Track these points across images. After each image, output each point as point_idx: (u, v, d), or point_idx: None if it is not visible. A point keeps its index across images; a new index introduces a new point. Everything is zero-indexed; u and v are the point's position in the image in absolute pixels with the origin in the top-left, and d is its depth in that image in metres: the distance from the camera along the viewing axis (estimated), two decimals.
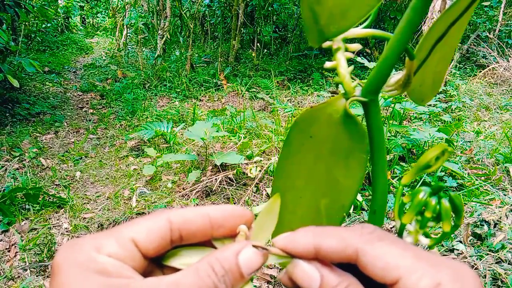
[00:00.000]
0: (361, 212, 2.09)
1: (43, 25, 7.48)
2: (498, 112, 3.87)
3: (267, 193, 2.38)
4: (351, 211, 2.11)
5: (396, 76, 0.25)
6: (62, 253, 0.22)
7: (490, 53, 5.30)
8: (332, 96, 0.25)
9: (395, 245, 0.21)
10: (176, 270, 0.24)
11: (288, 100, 4.56)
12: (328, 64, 0.25)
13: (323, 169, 0.27)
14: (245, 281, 0.23)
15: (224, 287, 0.22)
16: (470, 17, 0.24)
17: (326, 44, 0.25)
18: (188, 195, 2.40)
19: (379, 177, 0.25)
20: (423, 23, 4.51)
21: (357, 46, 0.25)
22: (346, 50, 0.25)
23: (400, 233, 0.25)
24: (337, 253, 0.22)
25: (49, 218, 2.17)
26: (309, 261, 0.23)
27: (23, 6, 3.68)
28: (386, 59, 0.22)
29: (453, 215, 0.23)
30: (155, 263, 0.24)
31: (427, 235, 0.25)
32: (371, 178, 0.26)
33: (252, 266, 0.23)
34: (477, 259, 1.71)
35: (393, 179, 2.35)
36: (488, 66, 5.09)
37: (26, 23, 5.95)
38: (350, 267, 0.23)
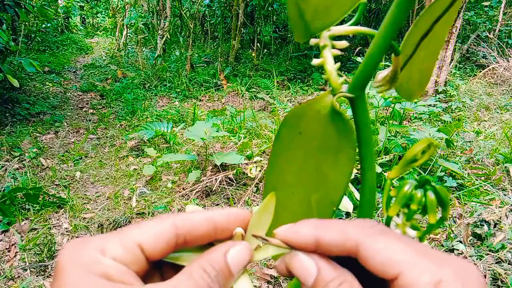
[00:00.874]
0: None
1: (43, 25, 7.48)
2: (498, 112, 3.87)
3: (263, 190, 2.38)
4: (350, 210, 2.11)
5: (383, 72, 0.25)
6: (66, 252, 0.22)
7: (490, 53, 5.30)
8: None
9: (397, 240, 0.21)
10: (175, 268, 0.24)
11: (288, 100, 4.57)
12: (315, 61, 0.25)
13: (313, 165, 0.27)
14: (235, 278, 0.24)
15: (217, 286, 0.23)
16: (456, 14, 0.24)
17: (313, 42, 0.25)
18: (188, 195, 2.40)
19: (367, 172, 0.25)
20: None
21: (344, 43, 0.26)
22: (334, 47, 0.25)
23: (387, 226, 0.25)
24: (337, 246, 0.22)
25: (49, 218, 2.17)
26: (307, 253, 0.23)
27: (23, 6, 3.69)
28: (372, 55, 0.23)
29: (440, 208, 0.23)
30: (154, 264, 0.25)
31: (415, 228, 0.25)
32: (361, 173, 0.26)
33: (239, 264, 0.24)
34: (477, 259, 1.71)
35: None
36: (488, 66, 5.09)
37: (26, 23, 5.96)
38: (349, 263, 0.23)
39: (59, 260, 0.22)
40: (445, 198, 0.23)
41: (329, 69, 0.25)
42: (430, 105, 3.22)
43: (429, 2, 3.55)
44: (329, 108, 0.25)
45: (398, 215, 0.25)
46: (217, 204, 2.31)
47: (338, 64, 0.25)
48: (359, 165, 0.27)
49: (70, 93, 4.92)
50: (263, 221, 0.27)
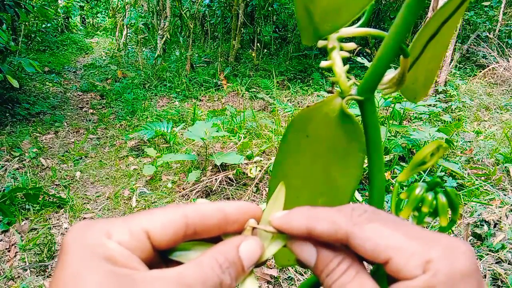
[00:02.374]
0: None
1: (43, 25, 7.48)
2: (498, 112, 3.87)
3: (267, 193, 2.38)
4: None
5: (390, 75, 0.25)
6: (73, 232, 0.22)
7: (490, 53, 5.30)
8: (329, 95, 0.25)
9: (385, 225, 0.22)
10: (180, 264, 0.24)
11: (288, 100, 4.56)
12: (323, 63, 0.25)
13: (320, 168, 0.27)
14: (245, 274, 0.24)
15: (228, 279, 0.23)
16: (462, 16, 0.24)
17: (321, 44, 0.25)
18: (188, 195, 2.40)
19: (376, 175, 0.25)
20: (423, 23, 4.50)
21: (352, 45, 0.25)
22: (342, 49, 0.25)
23: None
24: (328, 236, 0.23)
25: (49, 218, 2.17)
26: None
27: (23, 6, 3.68)
28: (382, 57, 0.22)
29: (450, 211, 0.23)
30: (160, 255, 0.24)
31: None
32: (369, 177, 0.26)
33: (252, 258, 0.24)
34: (477, 259, 1.71)
35: (393, 179, 2.35)
36: (488, 66, 5.09)
37: (26, 23, 5.95)
38: None
39: (64, 241, 0.22)
40: (455, 201, 0.23)
41: (337, 71, 0.24)
42: (430, 105, 3.22)
43: (436, 3, 3.55)
44: (338, 111, 0.25)
45: (408, 218, 0.25)
46: None
47: (347, 66, 0.25)
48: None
49: (70, 93, 4.92)
50: (273, 213, 0.26)
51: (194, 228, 0.24)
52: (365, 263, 0.24)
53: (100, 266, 0.20)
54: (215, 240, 0.26)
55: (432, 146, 0.23)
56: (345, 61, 0.26)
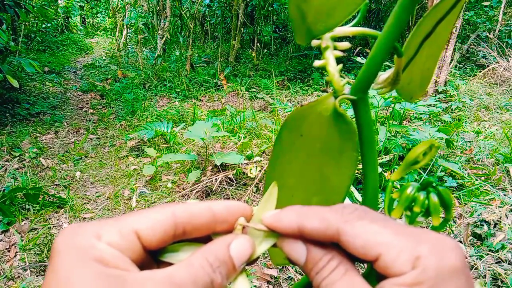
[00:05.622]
0: None
1: (43, 25, 7.48)
2: (498, 112, 3.87)
3: (263, 193, 2.37)
4: None
5: (385, 74, 0.25)
6: (63, 235, 0.22)
7: (490, 53, 5.30)
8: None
9: (375, 223, 0.22)
10: (171, 265, 0.24)
11: (288, 100, 4.56)
12: (317, 63, 0.25)
13: (314, 167, 0.27)
14: (236, 272, 0.24)
15: (219, 277, 0.23)
16: (458, 15, 0.24)
17: (315, 43, 0.25)
18: (188, 195, 2.40)
19: (370, 175, 0.25)
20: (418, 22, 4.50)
21: (346, 45, 0.25)
22: (336, 48, 0.25)
23: None
24: (319, 233, 0.23)
25: (49, 218, 2.17)
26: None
27: (23, 6, 3.68)
28: (374, 57, 0.22)
29: (443, 210, 0.23)
30: (151, 256, 0.24)
31: None
32: (363, 176, 0.26)
33: (242, 256, 0.24)
34: (477, 259, 1.71)
35: None
36: (488, 66, 5.09)
37: (26, 23, 5.95)
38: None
39: (55, 244, 0.22)
40: (448, 200, 0.23)
41: (331, 70, 0.24)
42: (430, 105, 3.22)
43: (431, 2, 3.54)
44: (331, 110, 0.25)
45: (400, 217, 0.25)
46: None
47: (340, 65, 0.25)
48: (359, 165, 0.27)
49: (70, 93, 4.92)
50: (265, 212, 0.26)
51: (183, 228, 0.24)
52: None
53: (90, 268, 0.20)
54: (205, 240, 0.25)
55: (424, 146, 0.24)
56: (345, 60, 0.26)
